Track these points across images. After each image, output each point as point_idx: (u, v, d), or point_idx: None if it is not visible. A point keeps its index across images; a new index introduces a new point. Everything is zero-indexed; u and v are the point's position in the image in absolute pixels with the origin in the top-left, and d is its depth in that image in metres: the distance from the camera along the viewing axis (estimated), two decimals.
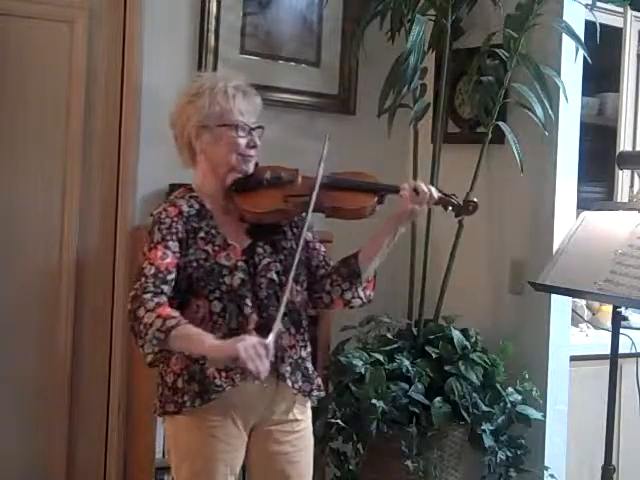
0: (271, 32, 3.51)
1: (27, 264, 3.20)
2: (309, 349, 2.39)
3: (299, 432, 2.35)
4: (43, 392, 3.23)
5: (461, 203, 2.36)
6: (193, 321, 2.18)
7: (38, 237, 3.22)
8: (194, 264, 2.22)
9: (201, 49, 3.33)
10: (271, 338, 2.07)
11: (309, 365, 2.37)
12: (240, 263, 2.25)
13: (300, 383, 2.32)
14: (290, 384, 2.28)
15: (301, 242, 2.24)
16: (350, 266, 2.35)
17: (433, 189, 2.31)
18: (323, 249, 2.45)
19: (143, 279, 2.15)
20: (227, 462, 2.26)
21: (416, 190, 2.28)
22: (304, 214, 2.28)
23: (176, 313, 2.12)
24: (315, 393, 2.37)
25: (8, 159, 3.17)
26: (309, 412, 2.40)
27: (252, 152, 2.31)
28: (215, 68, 3.34)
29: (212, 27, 3.35)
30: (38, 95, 3.19)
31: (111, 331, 3.30)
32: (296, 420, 2.34)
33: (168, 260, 2.18)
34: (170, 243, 2.20)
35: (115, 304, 3.29)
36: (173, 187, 3.03)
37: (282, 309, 2.14)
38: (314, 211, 2.28)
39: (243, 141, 2.28)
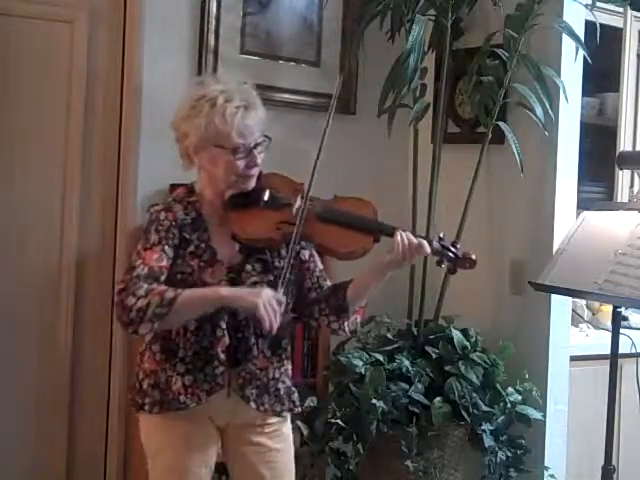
0: (271, 32, 3.51)
1: (27, 264, 3.20)
2: (286, 367, 2.35)
3: (272, 432, 2.33)
4: (43, 392, 3.24)
5: (459, 255, 2.25)
6: (166, 333, 2.20)
7: (38, 237, 3.22)
8: (178, 276, 2.19)
9: (201, 49, 3.33)
10: (281, 291, 2.11)
11: (282, 385, 2.33)
12: (224, 282, 2.21)
13: (267, 405, 2.29)
14: (254, 406, 2.27)
15: (284, 274, 2.17)
16: (338, 300, 2.31)
17: (426, 244, 2.21)
18: (319, 267, 2.39)
19: (135, 275, 2.12)
20: (200, 456, 2.26)
21: (410, 244, 2.19)
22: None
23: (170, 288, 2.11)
24: (285, 414, 2.34)
25: (8, 159, 3.17)
26: (286, 415, 2.37)
27: (252, 172, 2.24)
28: (215, 68, 3.34)
29: (212, 27, 3.35)
30: (38, 95, 3.19)
31: (111, 331, 3.30)
32: (268, 424, 2.32)
33: (163, 264, 2.16)
34: (167, 248, 2.18)
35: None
36: (173, 187, 3.03)
37: (291, 258, 2.16)
38: (305, 241, 2.25)
39: (242, 163, 2.21)
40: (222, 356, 2.20)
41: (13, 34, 3.14)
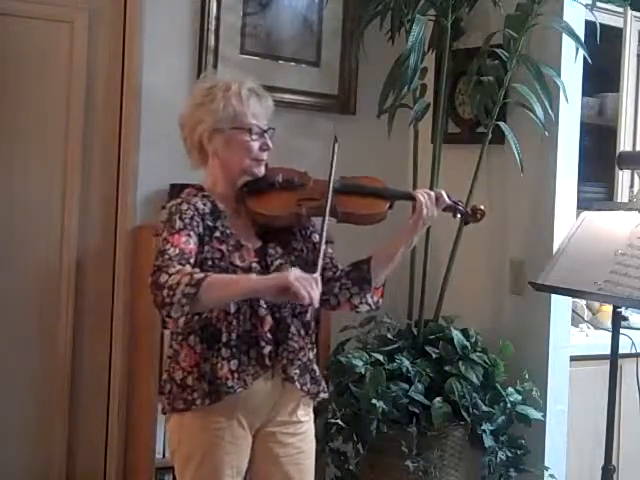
0: (271, 32, 3.51)
1: (27, 264, 3.20)
2: (315, 351, 2.39)
3: (302, 434, 2.35)
4: (43, 392, 3.24)
5: (469, 211, 2.40)
6: (207, 319, 2.19)
7: (38, 237, 3.22)
8: (209, 262, 2.20)
9: (201, 49, 3.33)
10: (318, 272, 2.10)
11: (316, 367, 2.37)
12: (254, 265, 2.24)
13: (309, 385, 2.32)
14: (299, 386, 2.28)
15: (323, 240, 2.21)
16: (361, 271, 2.35)
17: (445, 195, 2.34)
18: (330, 250, 2.43)
19: (167, 257, 2.11)
20: (233, 464, 2.25)
21: (430, 196, 2.32)
22: (316, 218, 2.27)
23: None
24: (322, 395, 2.37)
25: (8, 159, 3.17)
26: (312, 414, 2.40)
27: (264, 155, 2.31)
28: (215, 68, 3.34)
29: (212, 27, 3.35)
30: (38, 95, 3.20)
31: (111, 331, 3.30)
32: (299, 422, 2.34)
33: (191, 246, 2.16)
34: (192, 234, 2.18)
35: (115, 304, 3.29)
36: (173, 187, 3.04)
37: (323, 246, 2.16)
38: (330, 212, 2.28)
39: (256, 144, 2.28)
40: (269, 335, 2.22)
41: (13, 34, 3.15)
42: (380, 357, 3.10)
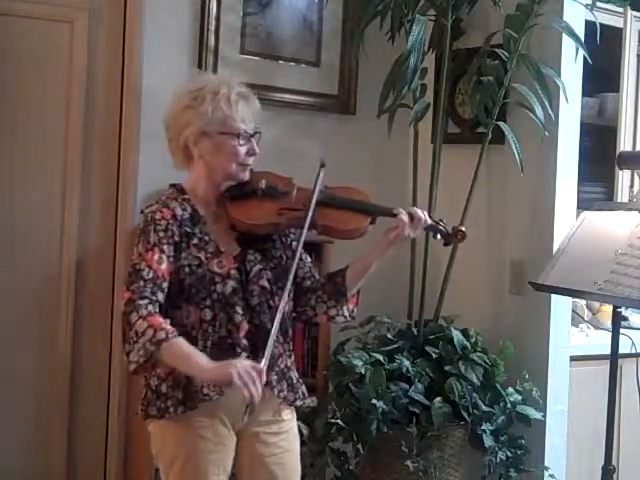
0: (271, 32, 3.51)
1: (27, 264, 3.20)
2: (293, 358, 2.39)
3: (285, 433, 2.35)
4: (43, 392, 3.24)
5: (450, 231, 2.37)
6: (183, 326, 2.18)
7: (38, 237, 3.22)
8: (186, 269, 2.20)
9: (201, 49, 3.33)
10: (264, 362, 2.08)
11: (293, 374, 2.37)
12: (233, 271, 2.24)
13: (285, 392, 2.32)
14: (276, 392, 2.29)
15: (296, 260, 2.24)
16: (337, 284, 2.37)
17: (426, 215, 2.34)
18: (309, 259, 2.45)
19: (141, 282, 2.13)
20: (217, 462, 2.25)
21: (411, 215, 2.31)
22: (297, 229, 2.28)
23: (167, 325, 2.11)
24: (298, 403, 2.37)
25: (8, 159, 3.17)
26: (294, 413, 2.40)
27: (251, 160, 2.30)
28: (215, 68, 3.34)
29: (212, 27, 3.35)
30: (38, 95, 3.20)
31: (111, 331, 3.30)
32: (283, 420, 2.34)
33: (164, 266, 2.17)
34: (166, 247, 2.19)
35: (115, 304, 3.28)
36: (174, 187, 3.03)
37: (274, 334, 2.14)
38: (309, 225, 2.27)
39: (243, 149, 2.27)
40: (244, 342, 2.21)
41: (13, 34, 3.15)
42: (380, 357, 3.10)
